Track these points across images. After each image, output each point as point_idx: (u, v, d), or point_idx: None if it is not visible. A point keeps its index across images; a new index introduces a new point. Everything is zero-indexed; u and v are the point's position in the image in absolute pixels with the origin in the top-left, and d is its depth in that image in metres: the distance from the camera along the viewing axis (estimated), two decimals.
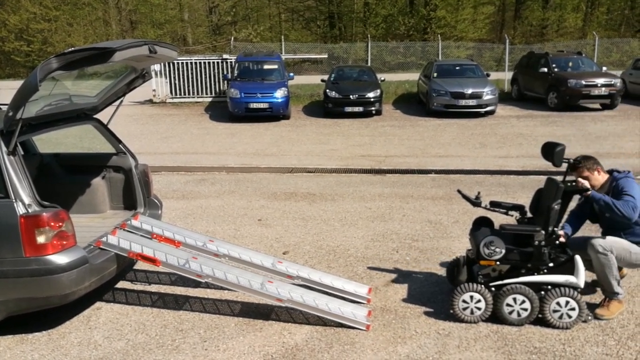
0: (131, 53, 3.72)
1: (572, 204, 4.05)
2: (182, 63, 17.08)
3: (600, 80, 14.37)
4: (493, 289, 3.83)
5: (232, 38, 25.37)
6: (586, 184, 3.86)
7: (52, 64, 3.37)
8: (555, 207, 3.72)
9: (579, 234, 4.24)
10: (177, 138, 12.37)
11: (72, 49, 3.55)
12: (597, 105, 14.93)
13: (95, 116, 4.91)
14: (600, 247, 3.80)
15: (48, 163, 5.04)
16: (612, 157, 9.20)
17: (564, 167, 4.00)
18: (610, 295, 3.92)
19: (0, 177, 3.54)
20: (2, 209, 3.51)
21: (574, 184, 3.85)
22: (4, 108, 3.87)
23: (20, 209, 3.51)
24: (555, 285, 3.76)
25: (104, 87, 4.75)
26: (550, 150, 3.84)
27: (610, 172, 4.05)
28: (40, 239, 3.52)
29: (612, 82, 14.39)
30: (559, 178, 3.93)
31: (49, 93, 4.00)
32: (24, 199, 3.54)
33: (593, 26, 31.33)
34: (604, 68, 15.93)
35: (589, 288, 4.28)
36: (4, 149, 3.59)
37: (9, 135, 3.64)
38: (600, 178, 4.00)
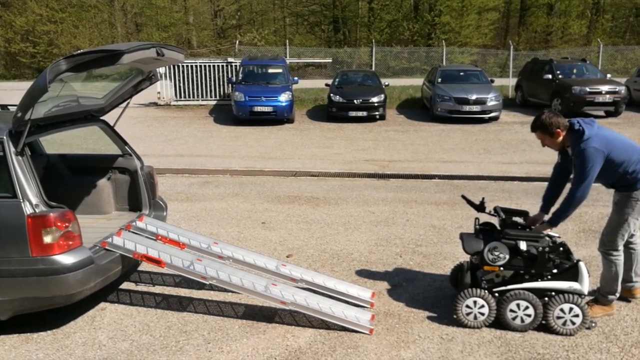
0: (139, 55, 3.74)
1: None
2: (187, 66, 17.17)
3: (604, 88, 14.37)
4: (497, 294, 3.83)
5: (237, 41, 25.48)
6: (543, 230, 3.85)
7: (62, 66, 3.40)
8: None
9: None
10: (182, 140, 12.42)
11: (81, 51, 3.58)
12: (601, 113, 14.92)
13: (101, 118, 4.94)
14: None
15: (54, 164, 5.07)
16: None
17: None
18: (600, 297, 4.00)
19: (8, 177, 3.57)
20: (9, 208, 3.54)
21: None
22: (13, 109, 3.90)
23: (28, 209, 3.53)
24: (559, 291, 3.76)
25: (111, 89, 4.78)
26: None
27: (571, 124, 3.82)
28: (47, 239, 3.55)
29: (617, 90, 14.39)
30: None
31: (57, 94, 4.03)
32: (32, 199, 3.56)
33: (597, 33, 31.33)
34: (609, 75, 15.95)
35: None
36: (13, 149, 3.62)
37: (17, 135, 3.67)
38: (559, 139, 3.85)
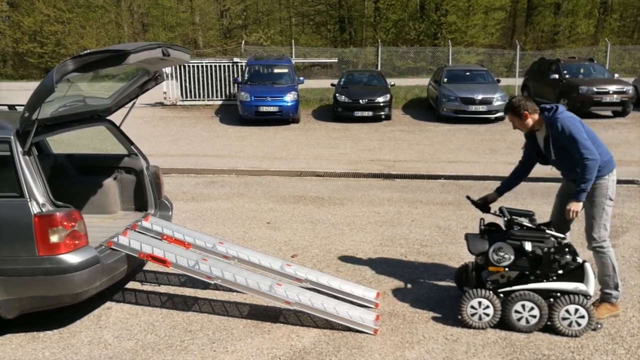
0: (145, 56, 3.76)
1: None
2: (193, 66, 17.21)
3: (612, 87, 14.28)
4: (502, 295, 3.82)
5: (243, 41, 25.54)
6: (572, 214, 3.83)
7: (68, 66, 3.42)
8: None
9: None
10: (188, 140, 12.46)
11: (88, 51, 3.60)
12: (609, 113, 14.83)
13: (107, 118, 4.97)
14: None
15: (61, 164, 5.10)
16: (624, 165, 9.12)
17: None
18: (604, 295, 3.98)
19: (16, 176, 3.59)
20: (16, 208, 3.57)
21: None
22: (20, 109, 3.93)
23: (35, 209, 3.56)
24: (564, 292, 3.75)
25: (117, 89, 4.80)
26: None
27: (542, 108, 3.93)
28: (54, 238, 3.57)
29: (624, 89, 14.29)
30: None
31: (63, 94, 4.05)
32: (38, 198, 3.59)
33: (605, 33, 31.11)
34: (616, 75, 15.84)
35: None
36: (20, 149, 3.65)
37: (24, 135, 3.70)
38: (527, 121, 3.92)
